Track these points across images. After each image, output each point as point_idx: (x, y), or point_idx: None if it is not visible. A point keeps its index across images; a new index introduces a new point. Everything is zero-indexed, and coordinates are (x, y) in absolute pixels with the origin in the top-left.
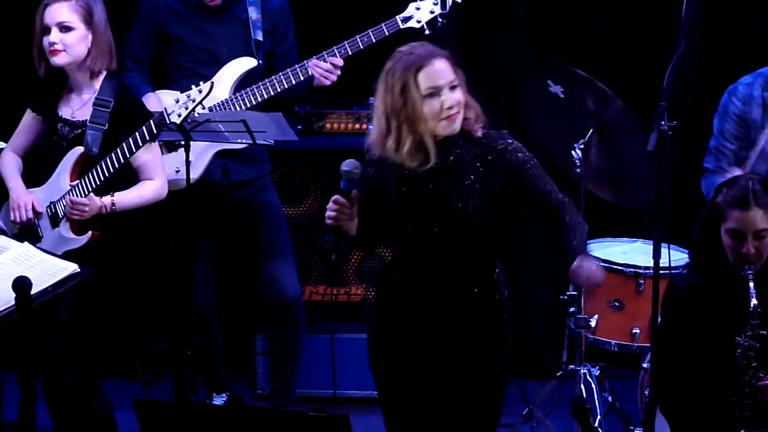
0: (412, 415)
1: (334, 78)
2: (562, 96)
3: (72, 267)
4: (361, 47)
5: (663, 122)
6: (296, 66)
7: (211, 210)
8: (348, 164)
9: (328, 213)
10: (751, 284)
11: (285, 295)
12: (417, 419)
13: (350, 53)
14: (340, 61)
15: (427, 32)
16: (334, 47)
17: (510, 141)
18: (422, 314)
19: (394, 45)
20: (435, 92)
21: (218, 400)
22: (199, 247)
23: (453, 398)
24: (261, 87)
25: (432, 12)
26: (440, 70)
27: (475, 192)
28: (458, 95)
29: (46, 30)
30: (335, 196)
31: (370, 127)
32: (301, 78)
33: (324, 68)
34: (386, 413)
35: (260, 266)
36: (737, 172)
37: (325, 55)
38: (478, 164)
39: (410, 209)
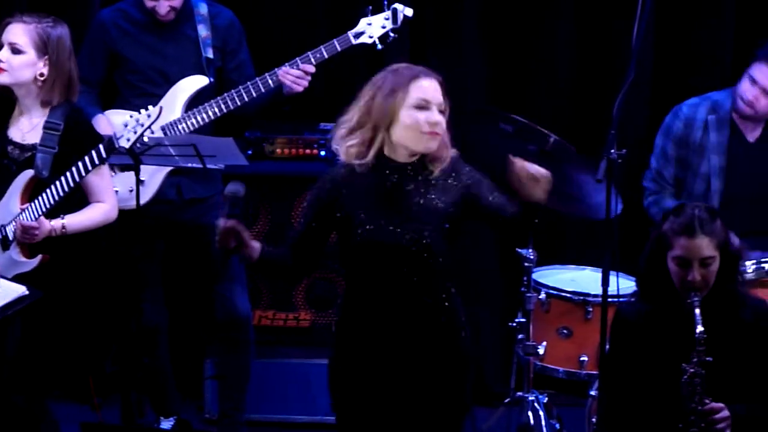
0: None
1: (303, 85)
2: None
3: (20, 290)
4: (313, 63)
5: (613, 150)
6: (248, 83)
7: (162, 230)
8: (232, 188)
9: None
10: (697, 311)
11: (236, 314)
12: None
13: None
14: (312, 68)
15: (379, 47)
16: (286, 63)
17: (466, 165)
18: (380, 341)
19: (346, 62)
20: (424, 105)
21: (166, 424)
22: (149, 268)
23: (411, 425)
24: (213, 104)
25: (384, 27)
26: (435, 88)
27: (432, 214)
28: (443, 120)
29: (0, 46)
30: (221, 224)
31: (321, 153)
32: (254, 95)
33: (295, 75)
34: None
35: (212, 288)
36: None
37: (299, 61)
38: (438, 188)
39: (368, 224)
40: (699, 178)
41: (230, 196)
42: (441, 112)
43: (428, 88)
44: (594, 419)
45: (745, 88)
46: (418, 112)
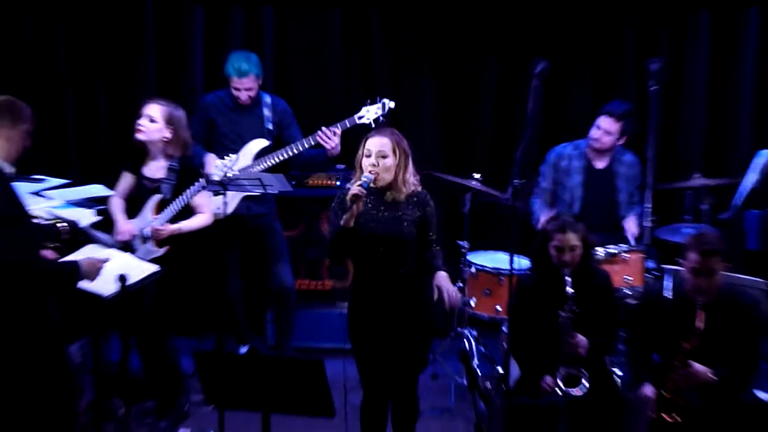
0: (374, 357)
1: (332, 144)
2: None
3: (154, 268)
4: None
5: (516, 181)
6: (293, 143)
7: (238, 233)
8: (367, 177)
9: (353, 189)
10: (568, 279)
11: (285, 285)
12: (377, 360)
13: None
14: (338, 131)
15: (373, 126)
16: (318, 131)
17: (431, 201)
18: (378, 300)
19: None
20: (368, 154)
21: (243, 350)
22: (230, 256)
23: (398, 348)
24: (272, 157)
25: (377, 113)
26: (375, 142)
27: (408, 222)
28: (383, 162)
29: (141, 116)
30: (353, 188)
31: (338, 183)
32: (296, 151)
33: (325, 134)
34: (357, 358)
35: (269, 267)
36: (547, 214)
37: (326, 128)
38: (411, 206)
39: (369, 228)
40: (567, 191)
41: (363, 182)
42: (383, 156)
43: (369, 142)
44: (505, 344)
45: (593, 131)
46: (365, 159)
